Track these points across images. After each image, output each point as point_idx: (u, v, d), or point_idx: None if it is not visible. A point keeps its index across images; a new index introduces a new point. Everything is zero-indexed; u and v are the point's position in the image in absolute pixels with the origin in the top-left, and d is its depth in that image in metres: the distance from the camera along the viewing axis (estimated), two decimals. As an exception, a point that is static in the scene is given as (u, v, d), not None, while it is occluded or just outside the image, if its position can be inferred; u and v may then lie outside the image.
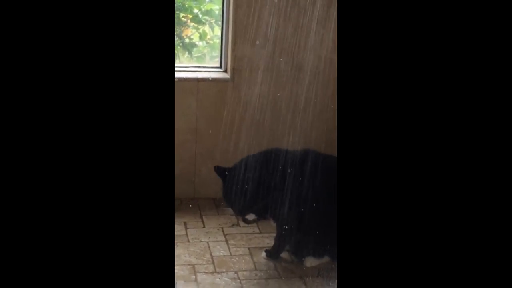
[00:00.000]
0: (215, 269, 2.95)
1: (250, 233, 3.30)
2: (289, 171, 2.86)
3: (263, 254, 3.06)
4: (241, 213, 2.99)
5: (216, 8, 3.71)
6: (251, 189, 2.88)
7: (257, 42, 3.32)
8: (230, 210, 3.04)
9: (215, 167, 3.01)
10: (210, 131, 3.41)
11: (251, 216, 3.05)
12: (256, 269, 2.97)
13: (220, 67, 3.59)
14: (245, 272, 2.93)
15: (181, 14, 3.76)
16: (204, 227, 3.36)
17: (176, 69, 3.47)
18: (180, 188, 3.22)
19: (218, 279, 2.87)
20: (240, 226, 3.37)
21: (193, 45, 3.82)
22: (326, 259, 3.00)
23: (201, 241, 3.20)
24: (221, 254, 3.09)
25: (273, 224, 3.05)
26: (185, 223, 3.35)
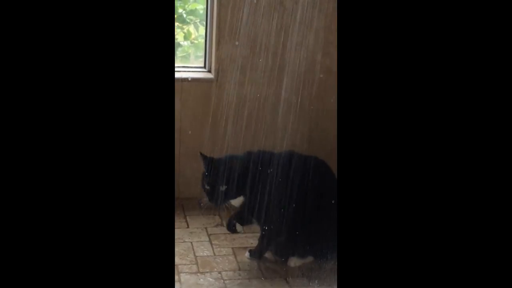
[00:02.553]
0: (198, 269, 2.95)
1: (233, 233, 3.30)
2: (269, 171, 2.86)
3: (247, 254, 3.07)
4: (216, 203, 2.91)
5: (201, 7, 3.71)
6: (231, 184, 2.86)
7: (236, 43, 3.32)
8: (205, 199, 2.96)
9: (200, 153, 2.97)
10: (190, 132, 3.41)
11: (239, 227, 3.03)
12: (239, 269, 2.97)
13: (204, 67, 3.59)
14: (228, 272, 2.94)
15: (166, 14, 3.75)
16: (188, 227, 3.36)
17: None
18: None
19: (201, 279, 2.87)
20: (224, 226, 3.37)
21: (178, 45, 3.82)
22: (309, 259, 3.01)
23: (185, 241, 3.20)
24: (205, 254, 3.09)
25: (256, 225, 3.05)
26: (169, 223, 3.35)
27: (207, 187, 2.92)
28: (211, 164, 2.91)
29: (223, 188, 2.86)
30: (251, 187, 2.88)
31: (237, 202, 2.98)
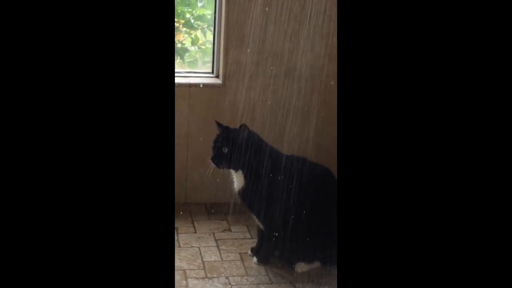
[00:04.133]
0: (206, 275, 2.95)
1: (241, 238, 3.30)
2: (279, 178, 2.86)
3: (254, 259, 3.07)
4: (215, 162, 2.95)
5: (209, 13, 3.71)
6: (234, 150, 2.91)
7: (248, 50, 3.33)
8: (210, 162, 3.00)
9: (216, 121, 3.02)
10: (201, 139, 3.41)
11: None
12: (247, 275, 2.97)
13: (212, 72, 3.59)
14: (236, 278, 2.94)
15: (173, 19, 3.76)
16: (195, 232, 3.36)
17: (168, 74, 3.47)
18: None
19: (209, 285, 2.87)
20: (231, 232, 3.38)
21: (185, 50, 3.82)
22: (316, 264, 3.01)
23: (192, 246, 3.20)
24: (212, 259, 3.09)
25: (262, 228, 3.05)
26: (176, 228, 3.35)
27: (213, 146, 2.98)
28: (225, 130, 2.97)
29: (225, 150, 2.92)
30: (254, 171, 2.91)
31: (237, 180, 3.00)
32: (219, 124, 3.01)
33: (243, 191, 2.98)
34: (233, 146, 2.91)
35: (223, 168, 2.97)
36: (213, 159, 2.96)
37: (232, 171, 3.00)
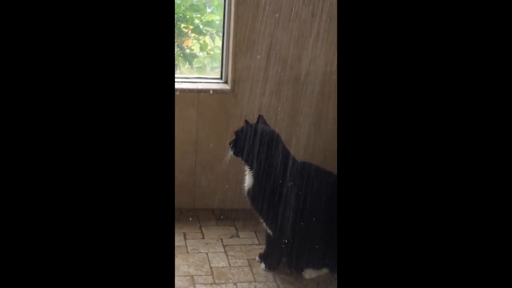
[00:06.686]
0: (214, 281, 2.95)
1: (249, 244, 3.30)
2: (289, 184, 2.86)
3: (262, 266, 3.06)
4: (235, 148, 2.98)
5: (217, 19, 3.72)
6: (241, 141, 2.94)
7: (258, 57, 3.33)
8: (229, 151, 3.01)
9: (246, 120, 3.04)
10: (211, 145, 3.41)
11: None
12: (255, 281, 2.97)
13: (221, 78, 3.59)
14: (244, 284, 2.93)
15: (182, 25, 3.77)
16: (203, 238, 3.36)
17: (176, 80, 3.48)
18: (180, 199, 3.23)
19: (217, 291, 2.87)
20: (239, 237, 3.37)
21: (194, 55, 3.83)
22: (324, 271, 3.00)
23: (200, 252, 3.20)
24: (220, 265, 3.09)
25: (270, 234, 3.04)
26: (184, 234, 3.35)
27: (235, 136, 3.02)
28: (250, 126, 3.00)
29: (244, 136, 2.96)
30: (264, 172, 2.91)
31: (248, 179, 3.00)
32: (247, 123, 3.03)
33: (251, 190, 2.98)
34: (252, 138, 2.92)
35: (238, 155, 2.97)
36: (231, 143, 2.98)
37: (246, 169, 3.00)
